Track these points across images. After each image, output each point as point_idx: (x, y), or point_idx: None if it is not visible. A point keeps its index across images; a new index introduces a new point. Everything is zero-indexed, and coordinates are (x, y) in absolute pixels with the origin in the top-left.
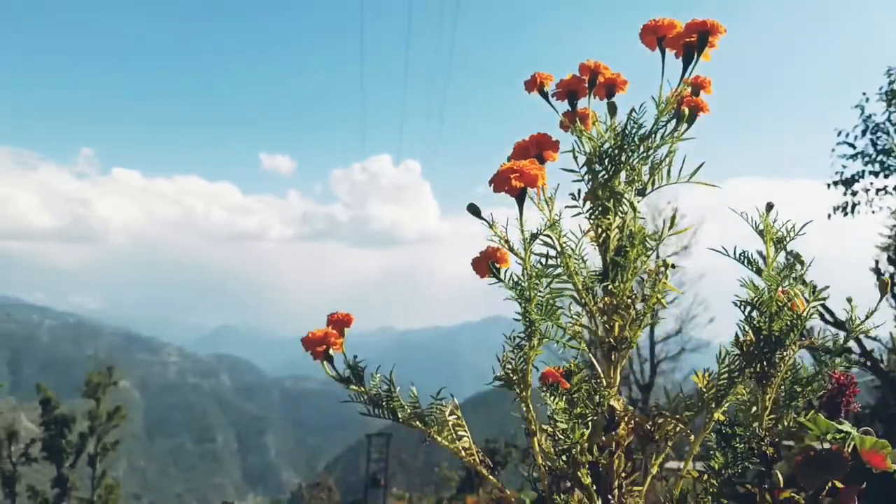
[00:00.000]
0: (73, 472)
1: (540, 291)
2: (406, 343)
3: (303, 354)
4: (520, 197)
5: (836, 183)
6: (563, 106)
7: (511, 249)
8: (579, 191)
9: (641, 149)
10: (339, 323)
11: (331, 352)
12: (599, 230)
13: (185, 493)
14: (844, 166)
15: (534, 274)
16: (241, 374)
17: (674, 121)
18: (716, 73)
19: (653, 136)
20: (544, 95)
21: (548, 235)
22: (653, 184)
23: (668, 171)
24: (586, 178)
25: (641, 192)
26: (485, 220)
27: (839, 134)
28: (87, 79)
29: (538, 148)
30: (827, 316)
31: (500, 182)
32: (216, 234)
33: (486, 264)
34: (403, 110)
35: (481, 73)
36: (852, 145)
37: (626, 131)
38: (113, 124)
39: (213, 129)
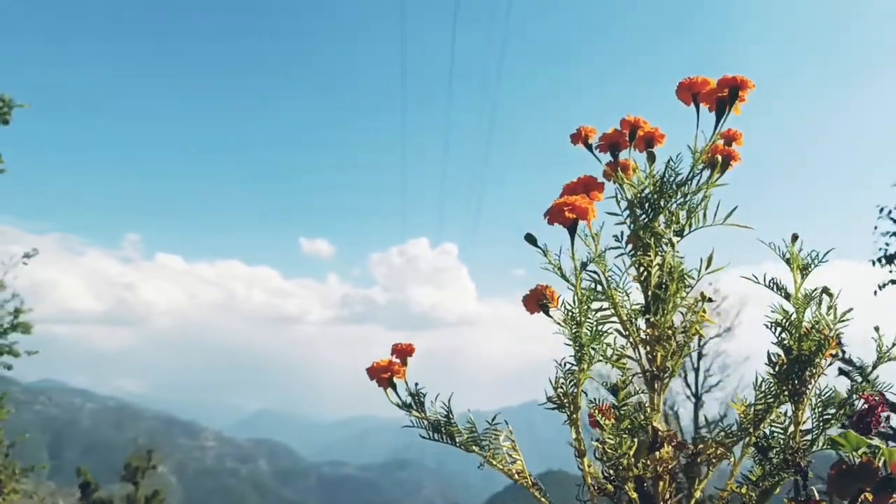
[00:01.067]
0: None
1: (589, 317)
2: None
3: (340, 439)
4: (571, 228)
5: (879, 260)
6: (606, 157)
7: (563, 276)
8: (622, 233)
9: (679, 195)
10: (403, 352)
11: (394, 379)
12: (641, 269)
13: None
14: (888, 243)
15: (584, 299)
16: (279, 459)
17: (708, 169)
18: (745, 162)
19: (689, 182)
20: (588, 147)
21: (594, 272)
22: (690, 226)
23: (704, 215)
24: (628, 221)
25: (679, 234)
26: (540, 248)
27: (881, 210)
28: (133, 167)
29: (585, 189)
30: (847, 367)
31: (554, 214)
32: (257, 317)
33: (535, 301)
34: (442, 194)
35: (519, 158)
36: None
37: (665, 178)
38: (157, 210)
39: (253, 214)
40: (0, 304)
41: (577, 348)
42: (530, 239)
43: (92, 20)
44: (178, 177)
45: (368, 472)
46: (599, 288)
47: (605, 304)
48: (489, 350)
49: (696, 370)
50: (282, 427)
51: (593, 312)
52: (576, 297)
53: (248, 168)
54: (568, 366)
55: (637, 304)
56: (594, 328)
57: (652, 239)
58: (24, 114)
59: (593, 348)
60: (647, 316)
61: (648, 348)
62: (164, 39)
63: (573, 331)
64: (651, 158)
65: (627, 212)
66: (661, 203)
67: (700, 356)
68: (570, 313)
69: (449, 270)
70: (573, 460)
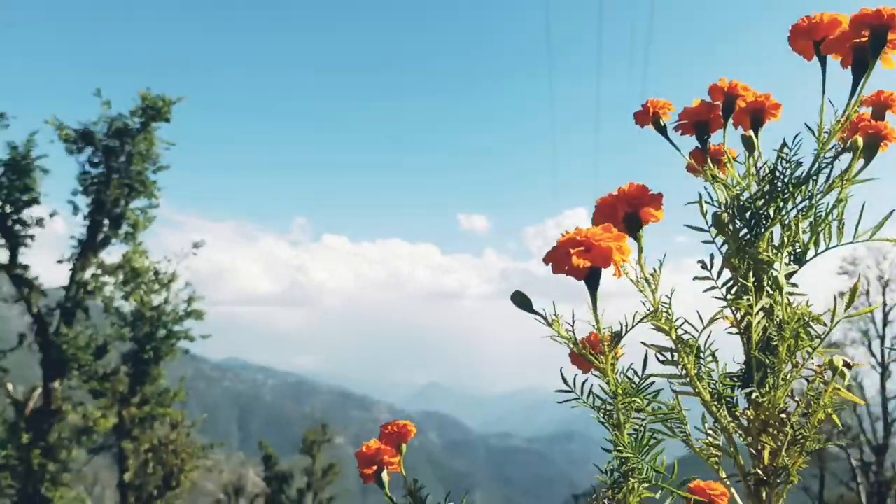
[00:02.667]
0: None
1: (639, 412)
2: None
3: (507, 411)
4: (590, 280)
5: None
6: (690, 143)
7: (581, 354)
8: (712, 256)
9: (798, 197)
10: (394, 437)
11: (384, 475)
12: (741, 315)
13: None
14: None
15: (620, 391)
16: (449, 432)
17: (844, 157)
18: None
19: (814, 179)
20: (661, 130)
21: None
22: (816, 245)
23: (839, 227)
24: (717, 241)
25: (799, 259)
26: (538, 314)
27: None
28: (297, 154)
29: (630, 205)
30: None
31: (557, 261)
32: (420, 293)
33: (581, 356)
34: (596, 162)
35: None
36: None
37: (777, 174)
38: (321, 194)
39: (411, 193)
40: (175, 293)
41: (620, 460)
42: (521, 301)
43: (254, 20)
44: (339, 159)
45: (536, 444)
46: (667, 351)
47: (677, 372)
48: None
49: (882, 337)
50: (450, 400)
51: (646, 403)
52: (611, 387)
53: (405, 147)
54: (615, 476)
55: (732, 372)
56: (642, 434)
57: (750, 270)
58: (201, 111)
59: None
60: (750, 389)
61: (750, 439)
62: (315, 32)
63: (613, 434)
64: (748, 144)
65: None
66: (771, 211)
67: (886, 322)
68: (603, 409)
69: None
70: None
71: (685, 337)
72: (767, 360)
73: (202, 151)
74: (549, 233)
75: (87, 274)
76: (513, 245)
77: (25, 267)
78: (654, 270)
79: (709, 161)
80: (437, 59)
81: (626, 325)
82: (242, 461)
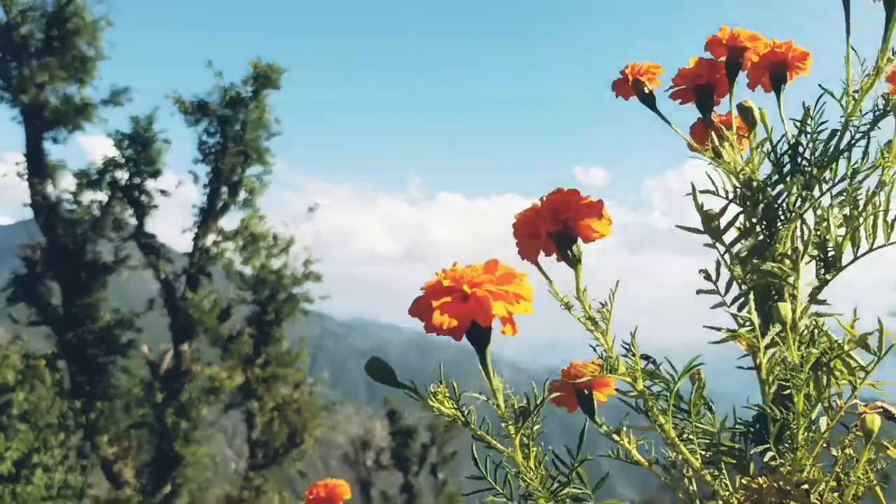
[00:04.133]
0: (418, 480)
1: (578, 501)
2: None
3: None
4: (473, 339)
5: None
6: (687, 116)
7: (480, 437)
8: (718, 264)
9: (826, 181)
10: (324, 502)
11: None
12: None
13: None
14: None
15: (538, 485)
16: None
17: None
18: None
19: (845, 155)
20: (648, 100)
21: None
22: (854, 244)
23: (888, 222)
24: (719, 247)
25: (830, 266)
26: (408, 389)
27: None
28: (410, 116)
29: (556, 221)
30: None
31: (420, 315)
32: None
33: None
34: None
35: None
36: None
37: (799, 150)
38: (434, 153)
39: (525, 148)
40: (293, 256)
41: None
42: (378, 373)
43: None
44: (450, 119)
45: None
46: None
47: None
48: None
49: None
50: (571, 356)
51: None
52: (522, 482)
53: (519, 102)
54: None
55: (742, 421)
56: None
57: (751, 289)
58: (324, 82)
59: None
60: (764, 447)
61: None
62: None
63: None
64: (748, 118)
65: (724, 221)
66: (788, 203)
67: None
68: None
69: None
70: None
71: (657, 388)
72: (780, 414)
73: (318, 115)
74: (670, 184)
75: (209, 240)
76: (633, 198)
77: (151, 235)
78: (602, 306)
79: (713, 136)
80: (551, 15)
81: (539, 397)
82: (370, 415)
